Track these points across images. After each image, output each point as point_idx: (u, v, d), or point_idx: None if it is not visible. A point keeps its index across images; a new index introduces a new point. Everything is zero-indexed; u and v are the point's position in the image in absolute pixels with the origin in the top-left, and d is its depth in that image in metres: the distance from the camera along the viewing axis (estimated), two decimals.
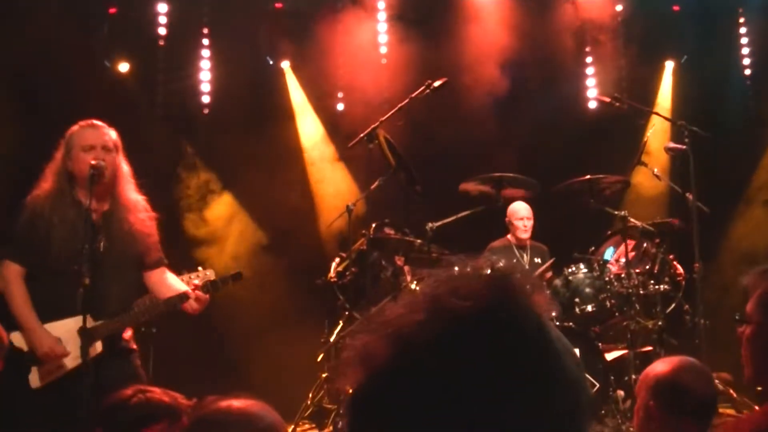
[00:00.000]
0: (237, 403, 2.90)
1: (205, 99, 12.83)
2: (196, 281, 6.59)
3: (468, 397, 1.39)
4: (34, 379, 6.27)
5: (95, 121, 6.61)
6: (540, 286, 1.61)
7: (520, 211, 10.84)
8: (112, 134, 6.59)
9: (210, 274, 6.72)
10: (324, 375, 9.56)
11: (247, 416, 2.87)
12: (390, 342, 1.46)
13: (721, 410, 9.36)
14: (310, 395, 9.67)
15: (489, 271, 1.55)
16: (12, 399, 6.27)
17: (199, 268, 6.79)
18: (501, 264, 1.62)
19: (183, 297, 6.49)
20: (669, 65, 13.53)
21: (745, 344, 3.40)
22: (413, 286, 9.23)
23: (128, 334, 6.63)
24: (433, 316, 1.45)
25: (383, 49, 13.05)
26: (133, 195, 6.64)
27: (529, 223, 10.84)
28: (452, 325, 1.44)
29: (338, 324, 9.72)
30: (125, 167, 6.67)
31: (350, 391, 1.49)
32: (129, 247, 6.54)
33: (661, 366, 4.39)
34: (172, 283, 6.69)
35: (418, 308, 1.48)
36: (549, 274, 10.32)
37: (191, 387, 6.22)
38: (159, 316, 6.92)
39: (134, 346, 6.69)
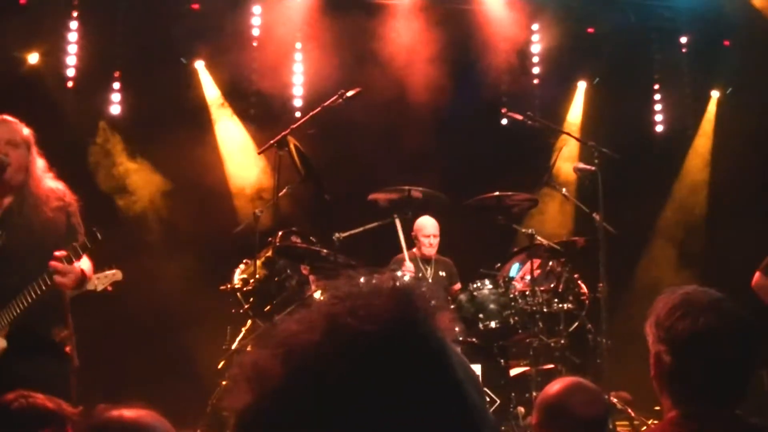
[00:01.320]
0: (128, 413, 2.82)
1: (116, 97, 12.65)
2: (57, 253, 6.36)
3: (361, 424, 1.35)
4: None
5: (5, 117, 6.46)
6: (444, 304, 1.53)
7: (427, 228, 10.81)
8: (23, 130, 6.43)
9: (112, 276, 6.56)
10: (224, 383, 9.42)
11: (138, 426, 2.79)
12: (282, 361, 1.40)
13: (619, 429, 9.47)
14: (210, 403, 9.54)
15: (391, 288, 1.48)
16: None
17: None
18: (405, 279, 1.56)
19: (48, 273, 6.26)
20: (581, 85, 13.68)
21: None
22: (317, 296, 9.20)
23: (61, 335, 6.44)
24: (328, 337, 1.40)
25: (298, 55, 12.99)
26: (45, 187, 6.47)
27: (435, 241, 10.81)
28: (348, 348, 1.38)
29: (241, 331, 9.62)
30: (39, 162, 6.51)
31: (238, 408, 1.42)
32: (37, 238, 6.37)
33: (552, 387, 4.41)
34: (84, 267, 6.52)
35: (313, 327, 1.42)
36: (457, 287, 10.35)
37: (83, 392, 6.11)
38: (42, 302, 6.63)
39: (68, 350, 6.48)
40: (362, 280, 1.54)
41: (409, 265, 10.28)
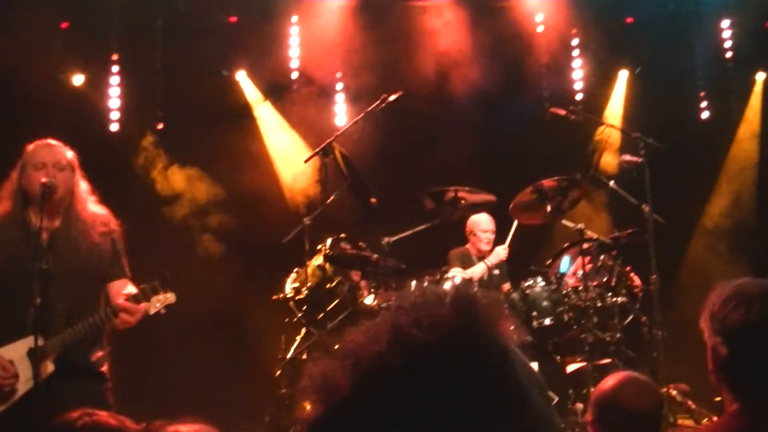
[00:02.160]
0: (184, 428, 2.86)
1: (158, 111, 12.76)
2: (125, 291, 6.44)
3: (428, 430, 1.37)
4: None
5: (50, 140, 6.52)
6: (504, 311, 1.55)
7: (484, 223, 10.78)
8: (68, 153, 6.49)
9: (165, 299, 6.59)
10: (282, 392, 9.46)
11: None
12: (350, 372, 1.43)
13: (680, 422, 9.38)
14: (268, 412, 9.57)
15: (454, 298, 1.50)
16: None
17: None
18: (466, 288, 1.59)
19: (110, 311, 6.33)
20: (623, 76, 13.57)
21: None
22: (370, 301, 9.22)
23: (98, 355, 6.51)
24: (393, 348, 1.42)
25: (339, 60, 13.00)
26: (89, 211, 6.53)
27: (492, 237, 10.78)
28: (413, 358, 1.40)
29: (295, 340, 9.66)
30: (83, 185, 6.57)
31: (308, 419, 1.45)
32: (81, 264, 6.42)
33: (606, 382, 4.45)
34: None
35: (379, 338, 1.45)
36: (506, 286, 10.33)
37: (145, 407, 6.16)
38: (97, 333, 6.73)
39: (104, 369, 6.56)
40: (425, 288, 1.56)
41: (476, 268, 10.28)
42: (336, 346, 1.49)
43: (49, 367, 6.17)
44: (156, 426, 2.93)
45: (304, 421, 1.46)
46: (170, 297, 6.49)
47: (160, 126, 12.62)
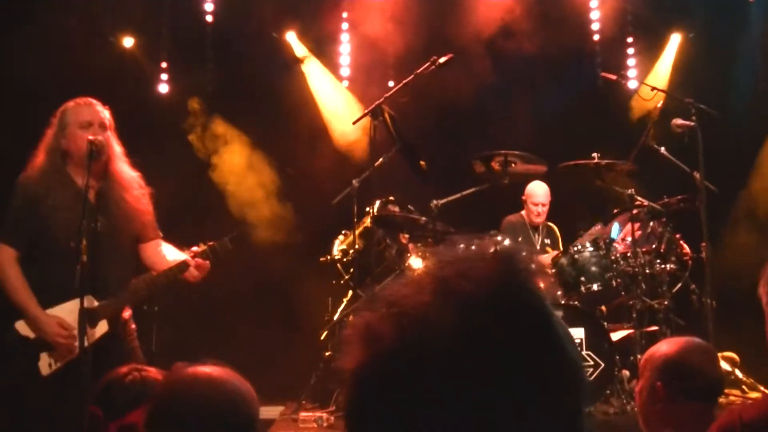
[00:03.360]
0: (203, 369, 2.97)
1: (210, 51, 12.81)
2: (195, 248, 6.52)
3: (473, 380, 1.38)
4: (44, 366, 6.17)
5: (90, 99, 6.54)
6: (542, 268, 1.61)
7: (539, 196, 10.81)
8: (106, 113, 6.52)
9: (210, 242, 6.66)
10: (327, 354, 9.48)
11: (211, 381, 2.94)
12: (395, 322, 1.44)
13: (726, 391, 9.32)
14: (314, 374, 9.60)
15: (494, 252, 1.54)
16: (22, 389, 6.20)
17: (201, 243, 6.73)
18: (506, 243, 1.61)
19: (183, 266, 6.40)
20: (675, 39, 13.34)
21: None
22: (414, 262, 9.18)
23: (128, 313, 6.56)
24: (439, 298, 1.43)
25: (389, 23, 12.92)
26: (127, 173, 6.56)
27: (544, 209, 10.83)
28: (458, 307, 1.42)
29: (342, 302, 9.66)
30: (117, 146, 6.59)
31: (351, 368, 1.47)
32: (126, 225, 6.46)
33: (666, 346, 4.34)
34: (167, 253, 6.63)
35: (424, 289, 1.45)
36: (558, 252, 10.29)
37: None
38: (161, 290, 6.85)
39: (133, 326, 6.62)
40: (464, 245, 1.62)
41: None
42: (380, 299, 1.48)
43: (103, 326, 6.23)
44: (175, 368, 3.04)
45: (347, 370, 1.47)
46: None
47: (210, 88, 12.62)
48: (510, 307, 1.44)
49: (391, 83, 12.06)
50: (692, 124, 9.06)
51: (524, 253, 1.56)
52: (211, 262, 6.56)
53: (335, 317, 9.52)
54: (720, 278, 9.11)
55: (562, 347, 1.47)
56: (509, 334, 1.41)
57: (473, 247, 1.60)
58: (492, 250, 1.55)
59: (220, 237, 6.66)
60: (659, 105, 9.99)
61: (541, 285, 1.53)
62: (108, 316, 6.25)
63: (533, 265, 1.53)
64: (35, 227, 6.25)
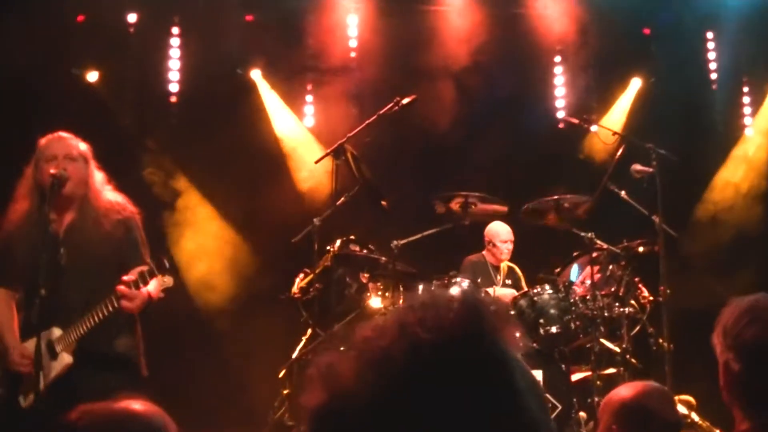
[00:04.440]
0: (118, 404, 2.90)
1: (174, 87, 12.69)
2: (125, 277, 6.40)
3: (423, 426, 1.41)
4: (23, 398, 6.19)
5: (62, 133, 6.52)
6: (511, 319, 1.59)
7: (504, 234, 10.86)
8: (80, 145, 6.49)
9: (163, 283, 6.55)
10: (286, 392, 9.41)
11: (126, 415, 2.86)
12: (354, 363, 1.49)
13: None
14: (273, 411, 9.52)
15: (462, 302, 1.55)
16: (4, 420, 6.23)
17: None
18: (474, 293, 1.62)
19: (116, 295, 6.31)
20: (636, 85, 13.45)
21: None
22: (374, 301, 9.18)
23: (123, 343, 6.48)
24: (399, 344, 1.47)
25: (353, 63, 12.95)
26: (104, 200, 6.52)
27: (511, 247, 10.88)
28: (414, 355, 1.45)
29: (301, 340, 9.59)
30: (98, 175, 6.56)
31: (312, 406, 1.51)
32: (97, 254, 6.41)
33: (624, 390, 4.38)
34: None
35: (386, 334, 1.50)
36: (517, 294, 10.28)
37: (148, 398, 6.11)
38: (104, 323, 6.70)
39: (135, 357, 6.54)
40: (438, 291, 1.61)
41: (501, 291, 10.27)
42: (345, 340, 1.54)
43: (66, 358, 6.17)
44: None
45: (308, 407, 1.51)
46: (168, 281, 6.49)
47: (174, 121, 12.55)
48: (469, 360, 1.47)
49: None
50: (651, 170, 9.13)
51: (495, 304, 1.57)
52: (144, 291, 6.43)
53: (294, 355, 9.44)
54: (677, 321, 9.13)
55: (522, 407, 1.48)
56: (462, 385, 1.44)
57: (445, 294, 1.59)
58: (459, 299, 1.55)
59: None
60: (620, 150, 10.04)
61: (515, 335, 1.57)
62: (72, 348, 6.18)
63: (503, 316, 1.56)
64: (10, 266, 6.21)
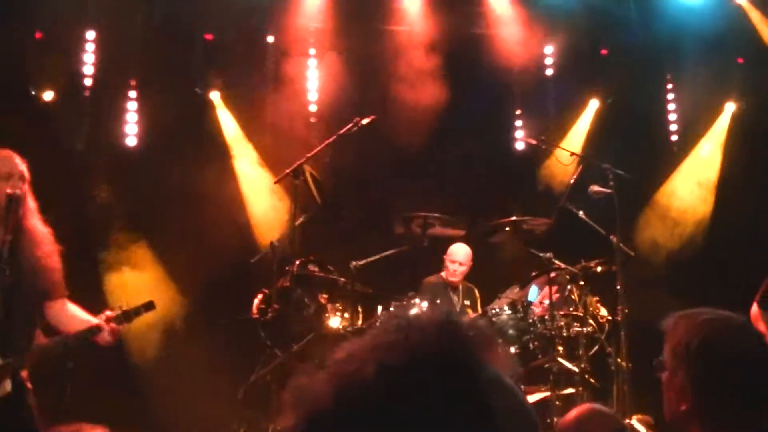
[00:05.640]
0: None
1: (132, 129, 12.51)
2: (108, 313, 6.37)
3: None
4: None
5: (9, 151, 6.39)
6: (494, 342, 1.63)
7: (456, 255, 10.84)
8: (23, 166, 6.38)
9: (124, 307, 6.51)
10: (245, 413, 9.35)
11: None
12: (331, 387, 1.48)
13: None
14: None
15: (440, 325, 1.55)
16: None
17: (115, 304, 6.61)
18: (454, 316, 1.59)
19: (95, 330, 6.26)
20: (593, 105, 13.49)
21: (663, 389, 3.39)
22: (332, 322, 9.19)
23: (25, 372, 6.38)
24: (371, 367, 1.47)
25: (313, 84, 12.90)
26: (40, 228, 6.40)
27: (461, 269, 10.83)
28: (385, 379, 1.45)
29: (260, 361, 9.53)
30: (32, 201, 6.44)
31: (288, 428, 1.51)
32: (35, 281, 6.29)
33: (567, 416, 4.41)
34: (75, 314, 6.46)
35: (357, 356, 1.51)
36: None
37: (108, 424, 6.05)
38: (71, 351, 6.70)
39: (29, 386, 6.42)
40: (415, 313, 1.63)
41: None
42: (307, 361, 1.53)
43: (7, 386, 6.05)
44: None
45: (285, 429, 1.52)
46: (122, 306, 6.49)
47: (132, 144, 12.42)
48: (442, 383, 1.46)
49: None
50: (609, 191, 9.16)
51: (475, 327, 1.58)
52: (123, 327, 6.43)
53: (252, 377, 9.37)
54: (636, 340, 9.11)
55: (496, 424, 1.48)
56: (438, 411, 1.43)
57: (422, 317, 1.58)
58: (437, 322, 1.55)
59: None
60: (578, 170, 10.07)
61: (501, 357, 1.59)
62: (12, 376, 6.07)
63: (484, 339, 1.57)
64: None
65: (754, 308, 7.98)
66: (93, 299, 6.76)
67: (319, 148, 9.35)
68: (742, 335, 3.29)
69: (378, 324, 1.70)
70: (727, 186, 13.17)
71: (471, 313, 10.41)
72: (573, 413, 4.37)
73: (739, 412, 3.18)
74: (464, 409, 1.45)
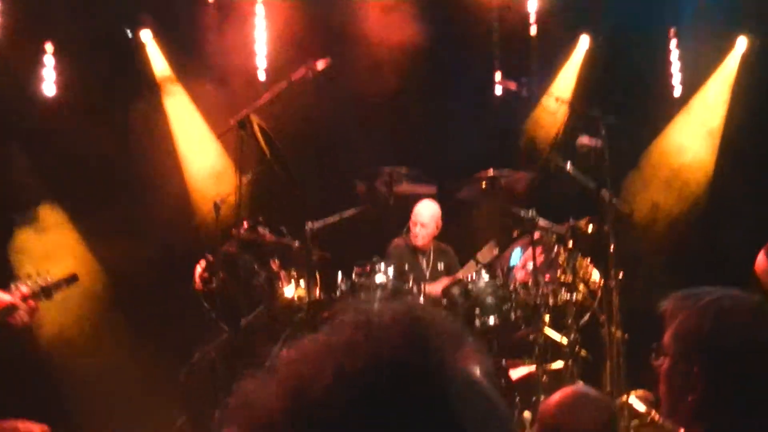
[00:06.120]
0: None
1: (49, 76, 12.35)
2: (24, 289, 6.32)
3: None
4: None
5: None
6: (465, 341, 1.59)
7: (417, 214, 10.72)
8: None
9: (41, 281, 6.48)
10: (190, 396, 9.36)
11: None
12: (277, 393, 1.47)
13: None
14: (178, 419, 9.52)
15: (403, 323, 1.53)
16: None
17: (30, 275, 6.57)
18: (421, 311, 1.58)
19: (10, 309, 6.23)
20: (584, 45, 13.40)
21: (661, 379, 3.36)
22: (287, 291, 9.17)
23: None
24: (322, 372, 1.46)
25: (261, 22, 12.76)
26: None
27: (425, 231, 10.70)
28: (339, 385, 1.44)
29: (204, 338, 9.55)
30: None
31: None
32: None
33: (550, 400, 4.48)
34: None
35: (310, 359, 1.49)
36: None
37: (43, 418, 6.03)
38: None
39: None
40: (377, 307, 1.60)
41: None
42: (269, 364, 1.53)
43: None
44: None
45: None
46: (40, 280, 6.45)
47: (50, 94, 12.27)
48: (404, 391, 1.45)
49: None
50: (599, 144, 9.13)
51: (441, 322, 1.56)
52: (43, 303, 6.39)
53: (196, 356, 9.38)
54: (632, 308, 9.15)
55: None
56: (407, 422, 1.43)
57: (384, 312, 1.56)
58: (403, 319, 1.53)
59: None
60: (565, 117, 10.09)
61: (471, 358, 1.55)
62: None
63: (454, 338, 1.54)
64: None
65: (761, 258, 7.94)
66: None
67: (268, 95, 9.32)
68: (759, 317, 3.27)
69: (334, 320, 1.54)
70: (734, 136, 13.17)
71: (445, 279, 10.41)
72: (556, 397, 4.43)
73: (757, 405, 3.17)
74: (432, 419, 1.45)
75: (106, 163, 11.56)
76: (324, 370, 1.45)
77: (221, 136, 9.65)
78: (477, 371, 1.55)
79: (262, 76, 12.49)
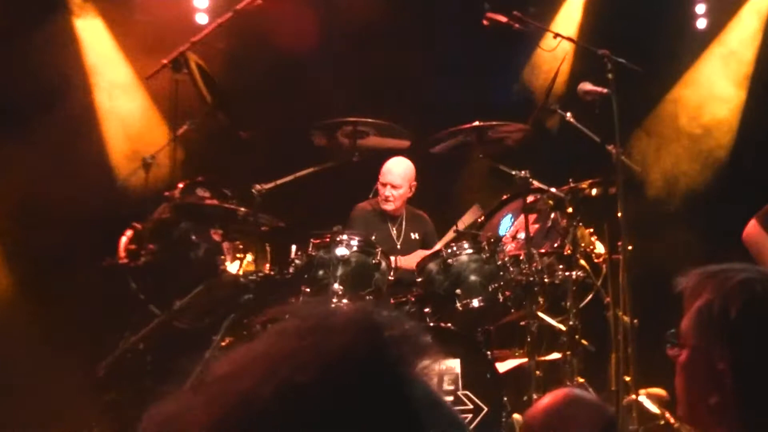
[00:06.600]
0: None
1: None
2: None
3: None
4: None
5: None
6: (425, 348, 1.57)
7: (389, 174, 10.60)
8: None
9: None
10: (109, 396, 9.23)
11: None
12: (205, 415, 1.45)
13: None
14: (94, 422, 9.41)
15: (354, 329, 1.52)
16: None
17: None
18: (375, 314, 1.57)
19: None
20: None
21: (678, 372, 3.27)
22: (231, 267, 9.22)
23: None
24: (261, 388, 1.44)
25: None
26: None
27: (396, 193, 10.58)
28: (281, 403, 1.43)
29: (130, 323, 9.39)
30: None
31: None
32: None
33: (536, 407, 4.48)
34: None
35: (246, 372, 1.48)
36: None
37: None
38: None
39: None
40: (326, 308, 1.60)
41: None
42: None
43: None
44: None
45: None
46: None
47: None
48: (365, 407, 1.46)
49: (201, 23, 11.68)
50: (605, 90, 8.99)
51: (400, 326, 1.56)
52: None
53: (120, 346, 9.21)
54: (643, 287, 9.01)
55: None
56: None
57: (334, 314, 1.56)
58: (353, 323, 1.53)
59: None
60: (564, 57, 9.98)
61: (429, 369, 1.55)
62: None
63: (415, 345, 1.54)
64: None
65: (751, 225, 8.18)
66: None
67: (208, 29, 9.27)
68: None
69: (275, 324, 1.56)
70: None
71: (420, 252, 10.31)
72: (544, 401, 4.39)
73: None
74: None
75: (11, 109, 11.27)
76: (264, 386, 1.44)
77: (150, 78, 9.49)
78: (436, 384, 1.60)
79: (201, 4, 12.13)
